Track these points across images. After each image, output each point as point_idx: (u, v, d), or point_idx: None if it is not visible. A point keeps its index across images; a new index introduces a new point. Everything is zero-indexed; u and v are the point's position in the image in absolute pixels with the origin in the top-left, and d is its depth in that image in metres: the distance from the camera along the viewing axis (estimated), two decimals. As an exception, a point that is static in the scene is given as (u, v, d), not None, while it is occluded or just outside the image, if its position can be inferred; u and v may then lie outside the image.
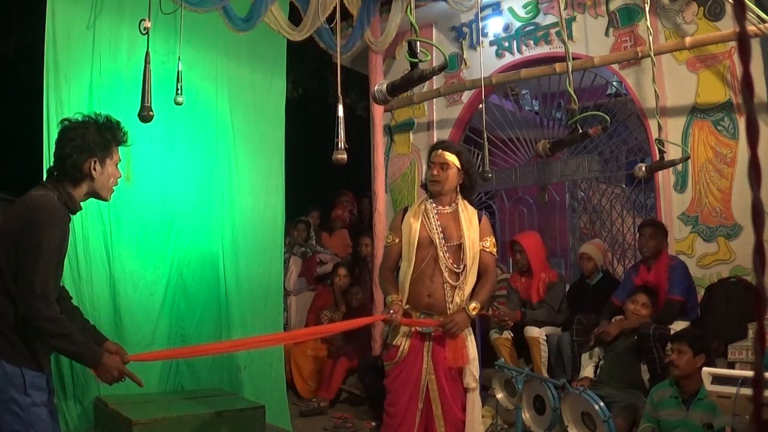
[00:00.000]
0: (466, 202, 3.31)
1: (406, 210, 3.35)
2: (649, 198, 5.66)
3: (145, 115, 3.41)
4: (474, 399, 3.23)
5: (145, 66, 3.44)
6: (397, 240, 3.29)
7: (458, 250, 3.19)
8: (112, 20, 4.27)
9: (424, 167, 6.60)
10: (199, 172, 4.78)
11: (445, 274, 3.17)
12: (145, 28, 3.47)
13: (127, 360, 2.50)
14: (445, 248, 3.18)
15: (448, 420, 3.15)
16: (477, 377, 3.23)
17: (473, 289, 3.26)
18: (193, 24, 4.42)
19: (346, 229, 7.10)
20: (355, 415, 5.32)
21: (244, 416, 3.95)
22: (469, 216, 3.25)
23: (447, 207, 3.26)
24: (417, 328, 3.20)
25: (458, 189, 3.29)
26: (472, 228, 3.22)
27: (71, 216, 2.32)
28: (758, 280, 0.87)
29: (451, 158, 3.23)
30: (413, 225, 3.22)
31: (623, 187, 6.45)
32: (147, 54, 3.45)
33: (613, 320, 4.46)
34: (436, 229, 3.20)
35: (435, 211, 3.24)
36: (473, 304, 3.16)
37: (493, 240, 3.32)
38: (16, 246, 2.14)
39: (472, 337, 3.30)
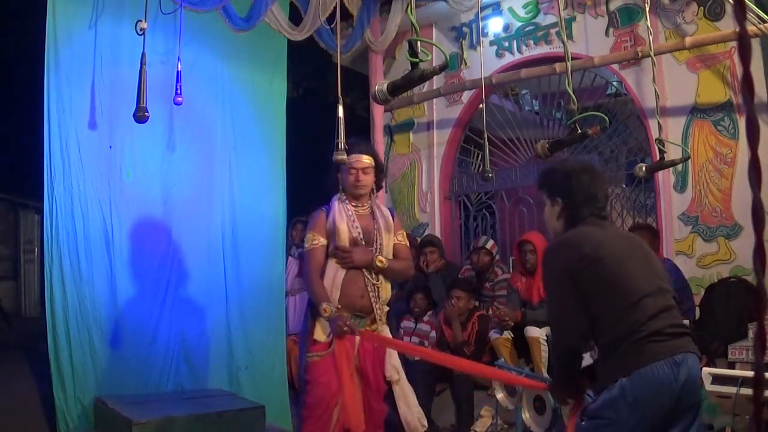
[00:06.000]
0: (377, 200, 3.41)
1: (327, 211, 3.29)
2: (649, 198, 5.66)
3: (140, 116, 3.43)
4: (403, 390, 3.31)
5: (141, 67, 3.45)
6: (324, 241, 3.22)
7: (378, 249, 3.24)
8: (113, 20, 4.28)
9: (424, 167, 6.64)
10: (200, 172, 4.78)
11: (366, 275, 3.19)
12: (141, 29, 3.47)
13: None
14: (368, 248, 3.22)
15: (370, 410, 3.20)
16: (399, 368, 3.31)
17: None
18: (194, 24, 4.42)
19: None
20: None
21: (244, 416, 3.95)
22: (384, 215, 3.32)
23: (364, 208, 3.32)
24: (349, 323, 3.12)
25: (374, 184, 3.38)
26: (387, 227, 3.29)
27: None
28: (758, 280, 0.87)
29: (370, 161, 3.30)
30: (340, 227, 3.20)
31: (623, 187, 6.45)
32: (143, 55, 3.46)
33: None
34: (358, 231, 3.22)
35: (354, 212, 3.28)
36: (380, 257, 3.18)
37: (404, 232, 3.47)
38: None
39: (388, 330, 3.35)
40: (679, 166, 4.81)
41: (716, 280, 4.71)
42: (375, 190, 3.40)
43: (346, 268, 3.16)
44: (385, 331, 3.29)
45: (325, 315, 3.04)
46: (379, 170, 3.39)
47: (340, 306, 3.11)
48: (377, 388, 3.24)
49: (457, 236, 6.65)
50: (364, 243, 3.21)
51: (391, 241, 3.30)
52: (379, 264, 3.17)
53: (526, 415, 3.42)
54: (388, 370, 3.26)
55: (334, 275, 3.16)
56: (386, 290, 3.27)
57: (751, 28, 4.11)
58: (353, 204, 3.30)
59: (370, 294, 3.18)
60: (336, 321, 3.00)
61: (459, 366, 3.58)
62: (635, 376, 2.03)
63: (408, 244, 3.46)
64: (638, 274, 2.19)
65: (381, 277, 3.23)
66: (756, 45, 4.31)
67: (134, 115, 3.42)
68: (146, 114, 3.41)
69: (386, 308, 3.31)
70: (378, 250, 3.21)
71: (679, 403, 2.05)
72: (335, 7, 4.55)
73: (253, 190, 5.02)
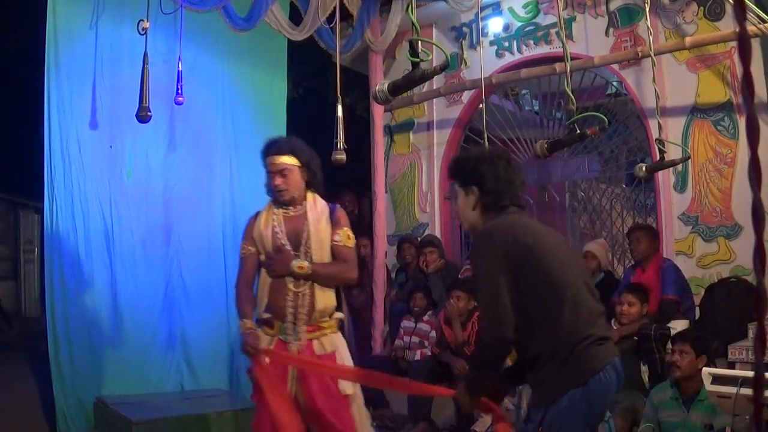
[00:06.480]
0: (316, 197, 3.07)
1: (257, 216, 3.08)
2: (649, 198, 5.66)
3: (142, 116, 3.44)
4: (360, 410, 2.99)
5: (144, 66, 3.46)
6: (252, 249, 3.02)
7: (307, 254, 2.96)
8: (114, 20, 4.29)
9: (424, 167, 6.64)
10: (201, 172, 4.78)
11: (290, 281, 2.91)
12: (143, 29, 3.49)
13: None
14: (293, 253, 2.94)
15: (328, 426, 2.88)
16: (354, 383, 2.98)
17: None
18: (194, 23, 4.43)
19: (345, 229, 7.09)
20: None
21: (244, 416, 3.95)
22: (318, 215, 3.01)
23: (296, 209, 3.02)
24: (280, 336, 2.92)
25: (306, 185, 3.04)
26: (319, 228, 2.99)
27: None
28: (758, 280, 0.87)
29: (289, 160, 2.97)
30: (264, 233, 2.99)
31: (623, 187, 6.45)
32: (145, 54, 3.47)
33: (612, 322, 4.46)
34: (284, 236, 2.97)
35: (283, 215, 3.01)
36: (300, 263, 2.89)
37: (348, 232, 3.06)
38: None
39: (342, 340, 3.07)
40: (679, 166, 4.80)
41: (716, 280, 4.71)
42: (312, 190, 3.07)
43: (271, 276, 2.95)
44: (327, 340, 2.96)
45: (240, 331, 2.90)
46: (308, 167, 3.02)
47: (269, 315, 2.93)
48: (331, 400, 2.89)
49: (457, 236, 6.65)
50: (291, 248, 2.95)
51: (326, 242, 2.99)
52: (298, 270, 2.88)
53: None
54: (341, 382, 2.92)
55: (263, 282, 2.99)
56: (322, 298, 2.95)
57: (751, 28, 4.11)
58: (283, 208, 3.02)
59: (290, 302, 2.90)
60: (245, 338, 2.84)
61: (378, 383, 3.20)
62: (592, 382, 2.00)
63: (352, 245, 3.07)
64: (574, 273, 2.12)
65: (310, 284, 2.92)
66: (756, 45, 4.31)
67: (137, 115, 3.43)
68: (149, 114, 3.42)
69: (329, 318, 3.00)
70: (306, 254, 2.94)
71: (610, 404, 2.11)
72: (335, 7, 4.55)
73: (254, 190, 5.00)
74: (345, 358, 3.02)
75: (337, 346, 3.00)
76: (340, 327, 3.10)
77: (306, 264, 2.90)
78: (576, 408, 2.00)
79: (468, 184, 2.24)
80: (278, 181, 2.96)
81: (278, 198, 3.01)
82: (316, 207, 3.04)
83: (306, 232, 2.97)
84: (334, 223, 3.02)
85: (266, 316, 2.96)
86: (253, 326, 2.91)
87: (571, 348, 2.01)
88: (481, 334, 2.11)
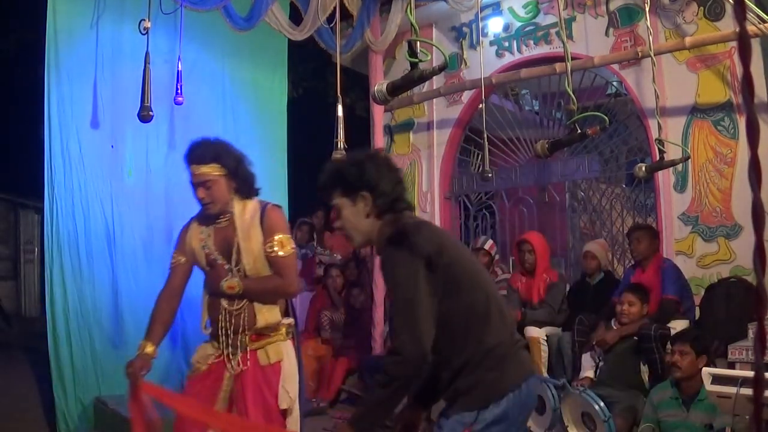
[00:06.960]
0: (247, 202, 2.75)
1: (189, 224, 2.84)
2: (649, 198, 5.65)
3: (144, 115, 3.44)
4: (295, 421, 2.76)
5: (145, 66, 3.46)
6: (182, 259, 2.79)
7: (240, 269, 2.70)
8: (114, 19, 4.30)
9: (424, 167, 6.64)
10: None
11: (223, 300, 2.68)
12: (144, 28, 3.49)
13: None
14: (226, 267, 2.70)
15: None
16: (293, 397, 2.74)
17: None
18: (195, 23, 4.43)
19: (345, 229, 7.10)
20: (355, 414, 5.31)
21: (245, 416, 3.95)
22: (247, 223, 2.70)
23: (226, 217, 2.74)
24: (225, 354, 2.70)
25: (235, 191, 2.74)
26: (251, 236, 2.69)
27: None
28: (758, 280, 0.87)
29: (212, 170, 2.66)
30: (195, 247, 2.76)
31: (623, 187, 6.45)
32: (147, 54, 3.47)
33: (612, 322, 4.46)
34: (214, 249, 2.73)
35: (213, 227, 2.75)
36: (229, 282, 2.64)
37: (282, 238, 2.71)
38: None
39: (291, 349, 2.80)
40: (679, 166, 4.80)
41: (716, 280, 4.71)
42: (238, 193, 2.74)
43: (208, 293, 2.78)
44: (272, 349, 2.72)
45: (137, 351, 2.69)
46: (236, 174, 2.71)
47: (210, 329, 2.76)
48: (265, 414, 2.66)
49: (457, 236, 6.65)
50: (223, 261, 2.70)
51: (259, 252, 2.68)
52: (228, 291, 2.64)
53: (526, 415, 3.41)
54: (281, 396, 2.70)
55: (203, 297, 2.81)
56: (263, 315, 2.68)
57: (751, 28, 4.11)
58: (213, 218, 2.75)
59: (224, 322, 2.68)
60: (133, 360, 2.65)
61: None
62: (525, 385, 1.94)
63: (287, 252, 2.71)
64: (489, 280, 2.10)
65: (247, 302, 2.67)
66: (756, 45, 4.31)
67: (139, 115, 3.43)
68: (150, 113, 3.42)
69: (270, 336, 2.73)
70: (239, 269, 2.68)
71: None
72: (335, 7, 4.56)
73: (254, 190, 5.03)
74: (290, 368, 2.76)
75: (283, 356, 2.74)
76: (291, 333, 2.83)
77: (236, 282, 2.65)
78: (512, 411, 1.93)
79: (356, 190, 2.00)
80: (201, 193, 2.68)
81: (204, 211, 2.74)
82: (245, 214, 2.73)
83: (236, 244, 2.69)
84: (266, 230, 2.69)
85: (207, 331, 2.78)
86: (151, 352, 2.69)
87: (503, 352, 1.93)
88: (399, 347, 1.82)
